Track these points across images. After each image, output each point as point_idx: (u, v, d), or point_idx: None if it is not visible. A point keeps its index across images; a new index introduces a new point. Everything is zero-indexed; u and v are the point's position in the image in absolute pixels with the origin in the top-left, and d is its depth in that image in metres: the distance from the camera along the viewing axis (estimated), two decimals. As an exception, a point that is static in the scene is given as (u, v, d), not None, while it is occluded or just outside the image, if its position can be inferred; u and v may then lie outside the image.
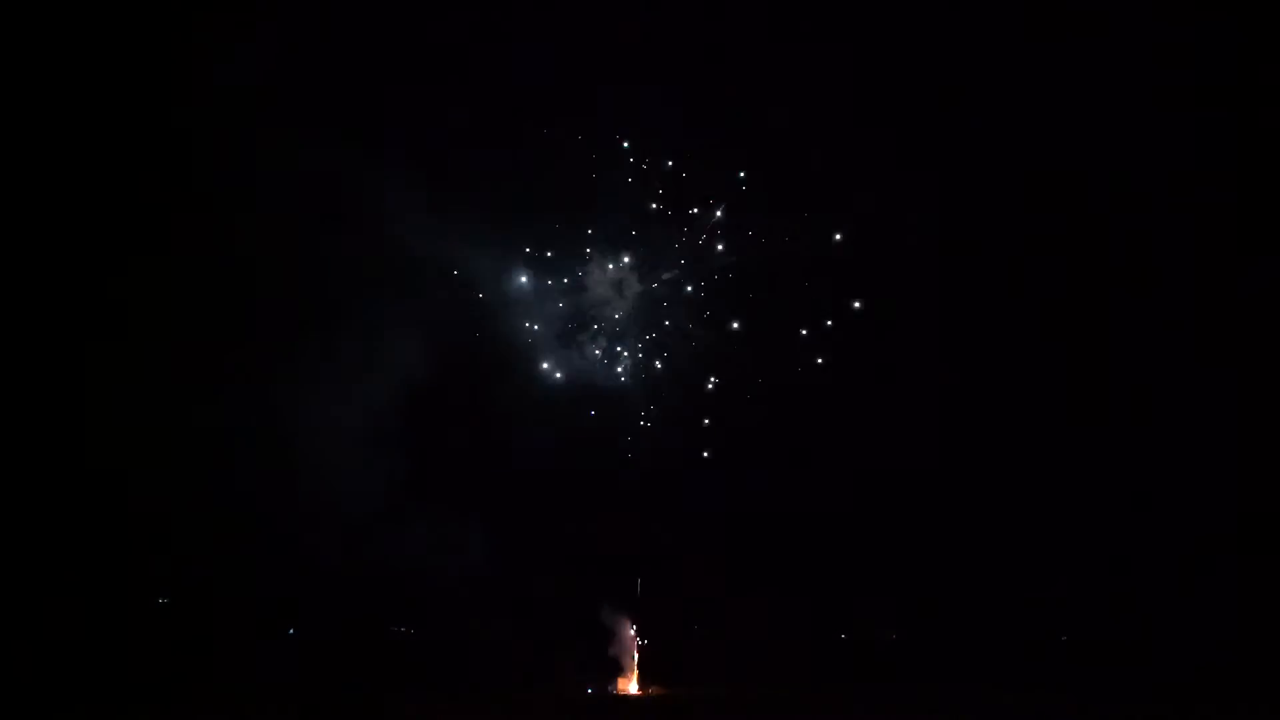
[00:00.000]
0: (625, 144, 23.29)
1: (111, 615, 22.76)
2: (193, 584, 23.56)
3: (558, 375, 23.77)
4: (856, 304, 23.83)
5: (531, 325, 23.68)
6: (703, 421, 23.88)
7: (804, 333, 23.84)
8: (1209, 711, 19.77)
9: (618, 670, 25.12)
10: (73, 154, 21.93)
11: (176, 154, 21.99)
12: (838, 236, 23.45)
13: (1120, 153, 24.40)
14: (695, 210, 23.51)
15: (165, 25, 21.43)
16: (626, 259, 23.63)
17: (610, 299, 23.98)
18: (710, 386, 23.83)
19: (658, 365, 23.99)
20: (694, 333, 23.70)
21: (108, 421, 21.84)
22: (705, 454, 23.88)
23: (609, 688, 24.71)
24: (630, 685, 24.85)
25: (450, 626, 25.01)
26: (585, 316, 23.77)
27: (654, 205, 23.50)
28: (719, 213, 23.42)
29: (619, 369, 24.03)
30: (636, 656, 25.19)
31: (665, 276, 23.18)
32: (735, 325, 23.61)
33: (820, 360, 23.79)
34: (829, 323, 23.97)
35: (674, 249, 23.63)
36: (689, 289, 23.81)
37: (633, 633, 25.35)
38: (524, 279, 23.18)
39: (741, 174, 23.56)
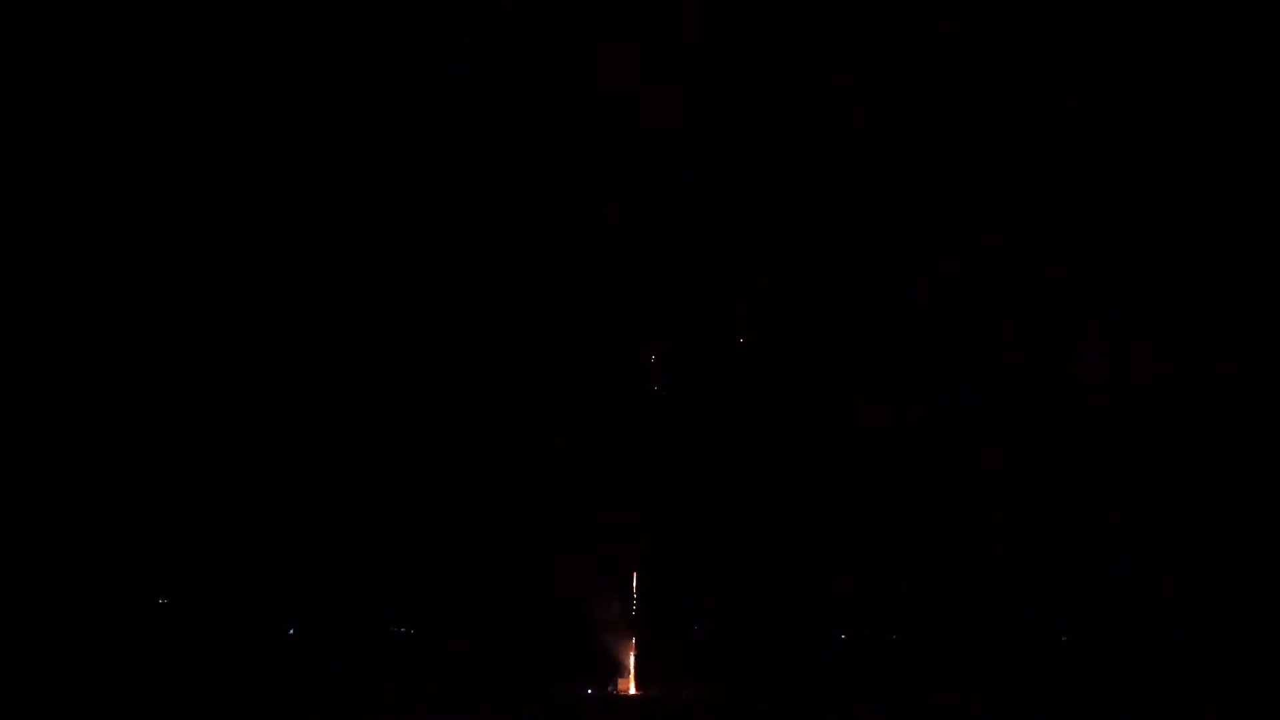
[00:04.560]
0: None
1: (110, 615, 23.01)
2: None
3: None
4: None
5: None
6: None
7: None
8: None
9: (617, 669, 25.23)
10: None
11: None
12: None
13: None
14: None
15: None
16: None
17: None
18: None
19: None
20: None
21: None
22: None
23: (609, 687, 24.77)
24: (630, 685, 24.92)
25: (443, 624, 25.20)
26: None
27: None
28: None
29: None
30: (635, 655, 25.27)
31: None
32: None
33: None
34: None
35: None
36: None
37: (632, 630, 25.47)
38: None
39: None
